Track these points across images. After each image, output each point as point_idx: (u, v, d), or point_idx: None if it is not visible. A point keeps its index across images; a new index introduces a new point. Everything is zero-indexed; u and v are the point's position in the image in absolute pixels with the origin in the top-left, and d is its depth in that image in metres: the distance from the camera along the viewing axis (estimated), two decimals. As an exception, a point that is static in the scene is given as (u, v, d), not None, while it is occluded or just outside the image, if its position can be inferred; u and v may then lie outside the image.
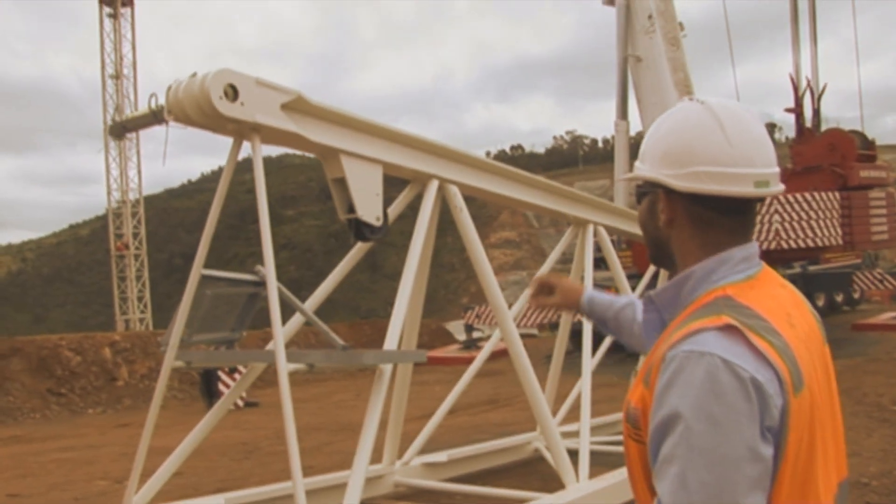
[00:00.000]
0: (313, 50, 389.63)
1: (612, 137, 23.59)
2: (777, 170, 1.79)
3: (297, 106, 4.77)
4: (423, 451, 7.62)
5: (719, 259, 1.75)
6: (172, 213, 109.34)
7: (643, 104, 22.22)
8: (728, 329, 1.56)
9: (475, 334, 25.16)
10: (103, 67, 48.91)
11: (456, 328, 28.99)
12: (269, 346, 5.76)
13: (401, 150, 5.59)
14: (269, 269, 4.57)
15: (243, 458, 9.83)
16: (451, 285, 79.54)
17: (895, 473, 7.73)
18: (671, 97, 21.76)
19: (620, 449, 6.82)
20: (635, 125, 23.04)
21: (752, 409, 1.47)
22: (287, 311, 5.24)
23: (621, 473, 6.88)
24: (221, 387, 15.15)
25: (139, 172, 50.12)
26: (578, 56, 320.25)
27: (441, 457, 7.65)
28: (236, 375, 15.24)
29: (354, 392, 16.42)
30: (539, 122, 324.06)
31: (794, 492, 1.55)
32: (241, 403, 15.05)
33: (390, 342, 5.12)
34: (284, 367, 4.35)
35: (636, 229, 9.07)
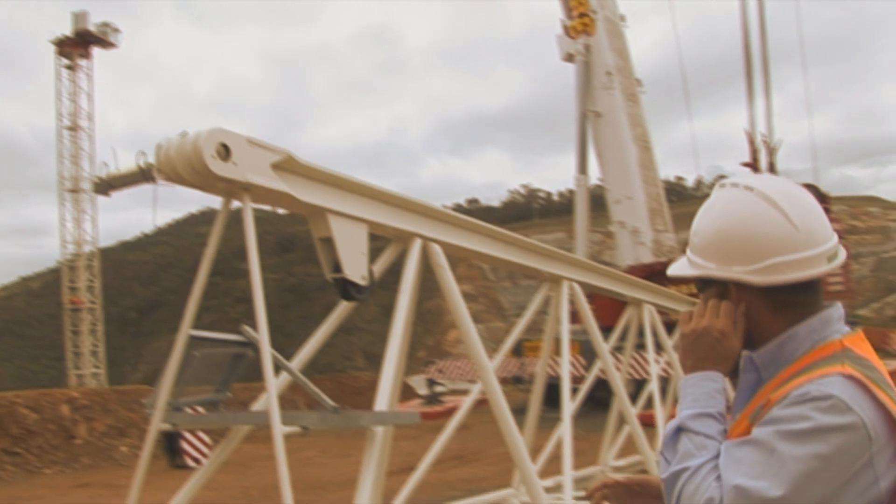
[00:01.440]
0: (267, 104, 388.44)
1: (569, 191, 23.91)
2: (836, 237, 1.86)
3: (287, 165, 4.77)
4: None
5: (821, 319, 1.84)
6: (127, 266, 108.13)
7: (603, 158, 22.60)
8: (851, 378, 1.67)
9: (437, 388, 25.07)
10: (59, 119, 48.75)
11: (417, 383, 28.87)
12: (256, 407, 5.68)
13: (386, 209, 5.60)
14: (262, 331, 4.53)
15: (212, 520, 9.61)
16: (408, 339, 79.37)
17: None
18: (630, 152, 22.19)
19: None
20: (595, 180, 23.37)
21: (863, 452, 1.60)
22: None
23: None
24: (185, 445, 14.87)
25: (94, 225, 49.85)
26: (533, 110, 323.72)
27: (421, 516, 7.55)
28: (200, 434, 15.00)
29: (320, 449, 16.24)
30: (494, 176, 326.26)
31: None
32: (205, 462, 14.73)
33: (382, 403, 5.08)
34: (280, 431, 4.29)
35: (608, 285, 9.13)
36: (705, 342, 1.86)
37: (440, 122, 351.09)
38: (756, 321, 1.87)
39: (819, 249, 1.81)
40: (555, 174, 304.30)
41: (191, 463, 14.55)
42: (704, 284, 1.93)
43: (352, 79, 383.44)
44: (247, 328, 5.06)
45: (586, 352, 11.78)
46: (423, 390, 26.45)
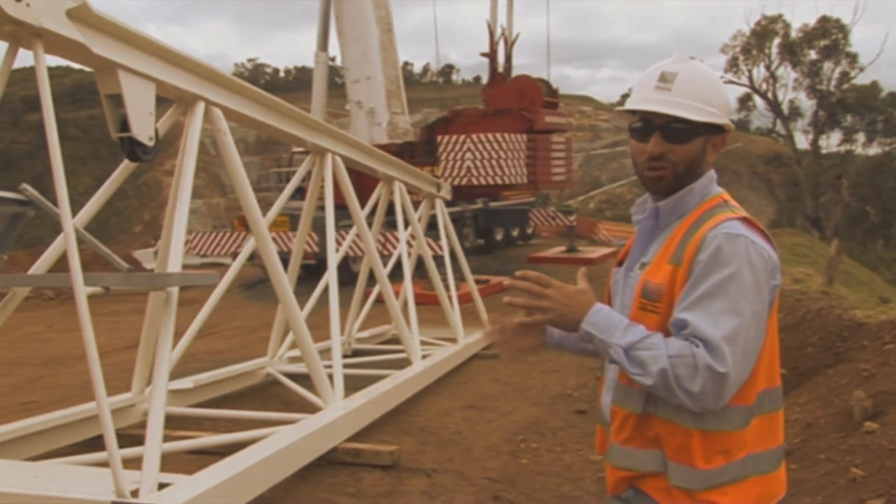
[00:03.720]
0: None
1: (296, 68, 23.61)
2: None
3: (82, 15, 4.50)
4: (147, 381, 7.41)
5: (709, 178, 2.29)
6: None
7: (344, 37, 22.37)
8: (745, 220, 2.16)
9: (166, 263, 24.55)
10: None
11: (144, 257, 27.92)
12: (33, 270, 5.44)
13: (173, 69, 5.42)
14: (60, 189, 4.32)
15: (-34, 393, 8.98)
16: (124, 213, 75.95)
17: (590, 385, 8.62)
18: (372, 32, 22.13)
19: (351, 371, 7.10)
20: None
21: (769, 277, 2.12)
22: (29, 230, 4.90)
23: (373, 392, 7.20)
24: None
25: None
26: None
27: (187, 383, 7.55)
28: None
29: (46, 324, 15.46)
30: (218, 48, 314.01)
31: (773, 356, 2.23)
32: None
33: (174, 265, 5.02)
34: (83, 291, 4.17)
35: (366, 160, 9.29)
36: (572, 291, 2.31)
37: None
38: (704, 161, 2.26)
39: None
40: (283, 50, 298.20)
41: None
42: (691, 137, 2.23)
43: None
44: (27, 186, 4.82)
45: (318, 228, 11.88)
46: (150, 264, 25.68)
